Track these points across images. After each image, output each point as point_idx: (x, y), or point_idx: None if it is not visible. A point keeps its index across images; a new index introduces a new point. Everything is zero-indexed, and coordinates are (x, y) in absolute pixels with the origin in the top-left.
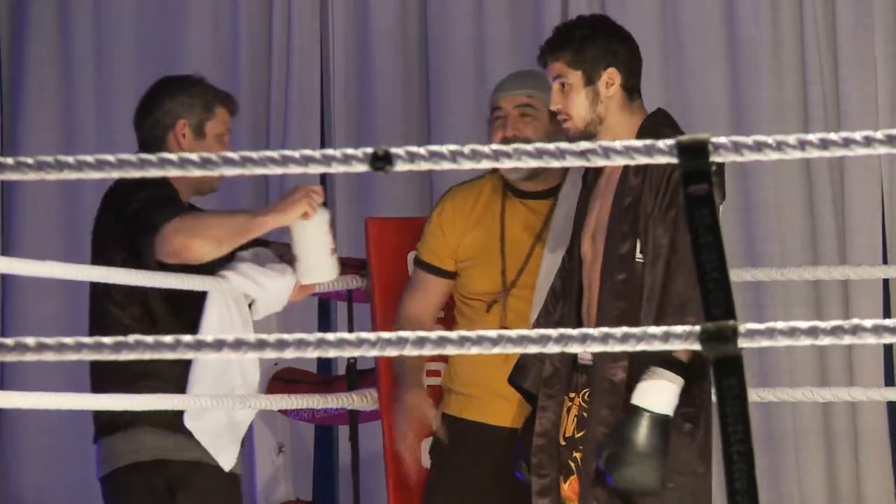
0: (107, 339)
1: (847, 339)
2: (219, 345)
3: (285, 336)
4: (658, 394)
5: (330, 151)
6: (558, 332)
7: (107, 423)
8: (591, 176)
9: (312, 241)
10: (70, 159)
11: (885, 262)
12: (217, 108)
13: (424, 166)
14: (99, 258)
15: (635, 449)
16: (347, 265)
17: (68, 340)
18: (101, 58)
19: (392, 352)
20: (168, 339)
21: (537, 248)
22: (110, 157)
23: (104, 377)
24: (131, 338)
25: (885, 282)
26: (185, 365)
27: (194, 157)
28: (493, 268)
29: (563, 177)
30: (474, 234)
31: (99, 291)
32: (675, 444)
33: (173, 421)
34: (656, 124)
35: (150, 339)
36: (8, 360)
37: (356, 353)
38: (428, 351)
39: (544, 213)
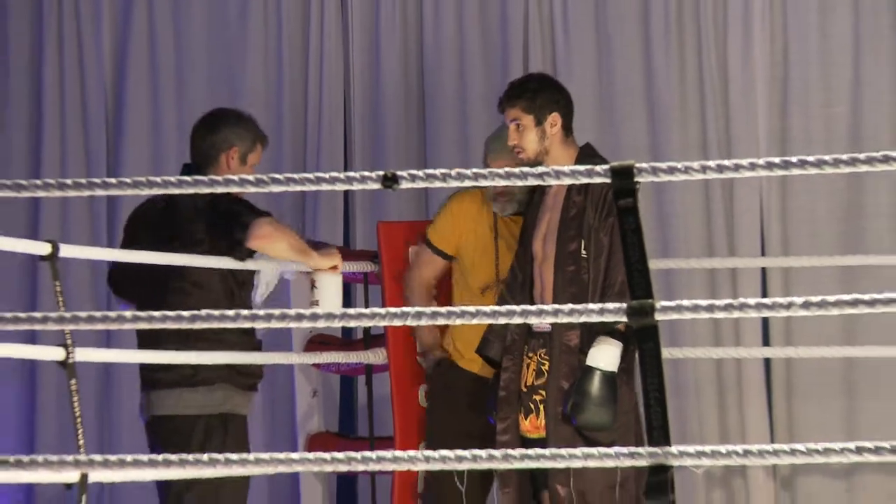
0: (185, 313)
1: (735, 314)
2: (268, 317)
3: (317, 310)
4: (606, 356)
5: (352, 174)
6: (522, 307)
7: (182, 378)
8: (538, 196)
9: (333, 290)
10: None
11: (763, 254)
12: (258, 144)
13: (422, 185)
14: (182, 241)
15: (592, 398)
16: (364, 255)
17: (156, 314)
18: (180, 89)
19: (397, 322)
20: (230, 313)
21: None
22: (173, 179)
23: (165, 339)
24: (217, 312)
25: (763, 270)
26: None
27: (252, 178)
28: (489, 265)
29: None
30: (474, 235)
31: (173, 271)
32: (618, 392)
33: (233, 378)
34: (590, 155)
35: (217, 312)
36: (113, 329)
37: (370, 323)
38: (423, 322)
39: (517, 230)
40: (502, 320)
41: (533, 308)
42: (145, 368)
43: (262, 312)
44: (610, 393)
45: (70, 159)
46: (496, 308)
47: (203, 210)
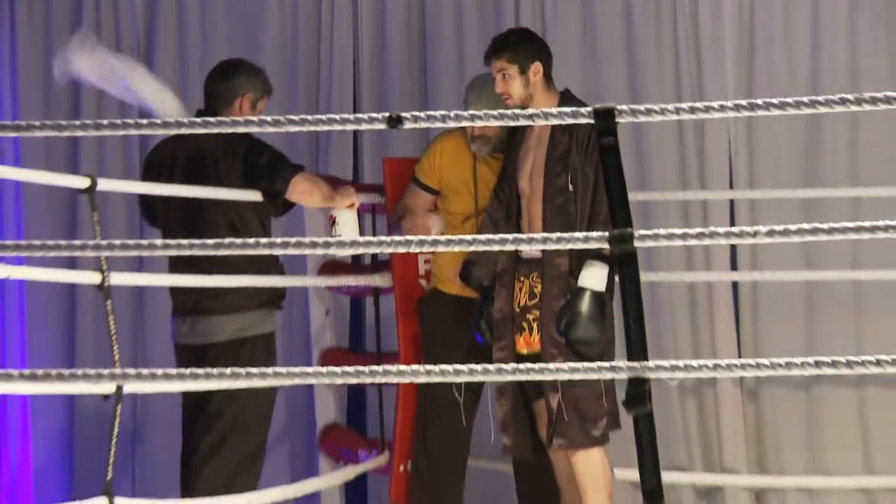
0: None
1: (706, 241)
2: (285, 245)
3: (331, 239)
4: (595, 277)
5: (360, 115)
6: (514, 235)
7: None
8: (520, 137)
9: (351, 224)
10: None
11: (731, 188)
12: (266, 93)
13: (423, 125)
14: (211, 181)
15: (583, 316)
16: (372, 188)
17: (185, 242)
18: (204, 40)
19: (401, 249)
20: (265, 240)
21: (495, 185)
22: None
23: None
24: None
25: (731, 202)
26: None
27: (270, 119)
28: (468, 196)
29: (499, 149)
30: (455, 170)
31: (207, 220)
32: (605, 309)
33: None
34: (569, 98)
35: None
36: (145, 255)
37: (378, 250)
38: (424, 249)
39: (499, 164)
40: (497, 247)
41: (525, 236)
42: (191, 298)
43: (291, 240)
44: (599, 310)
45: (105, 102)
46: (493, 236)
47: (241, 157)
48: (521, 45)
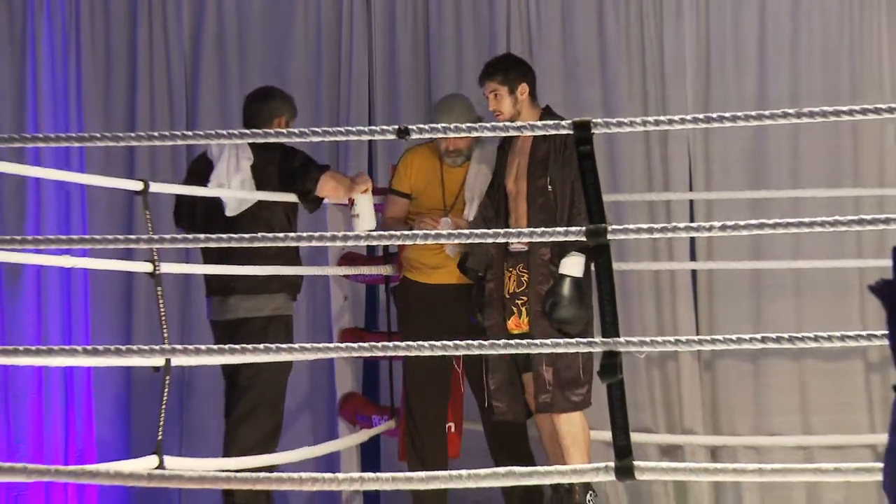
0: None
1: (669, 235)
2: (310, 238)
3: (350, 233)
4: (575, 265)
5: (374, 128)
6: (504, 230)
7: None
8: (507, 146)
9: (367, 206)
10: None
11: (690, 189)
12: (295, 116)
13: (427, 136)
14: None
15: (564, 298)
16: (384, 190)
17: (224, 235)
18: (242, 80)
19: (408, 241)
20: (305, 234)
21: (462, 190)
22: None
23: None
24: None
25: (691, 202)
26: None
27: (297, 131)
28: (437, 195)
29: (469, 158)
30: (423, 175)
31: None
32: (584, 293)
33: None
34: (550, 113)
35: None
36: (189, 247)
37: (388, 242)
38: (429, 241)
39: (463, 173)
40: (489, 240)
41: (514, 231)
42: (222, 280)
43: (315, 234)
44: (578, 294)
45: (157, 113)
46: (486, 231)
47: (275, 164)
48: (510, 70)
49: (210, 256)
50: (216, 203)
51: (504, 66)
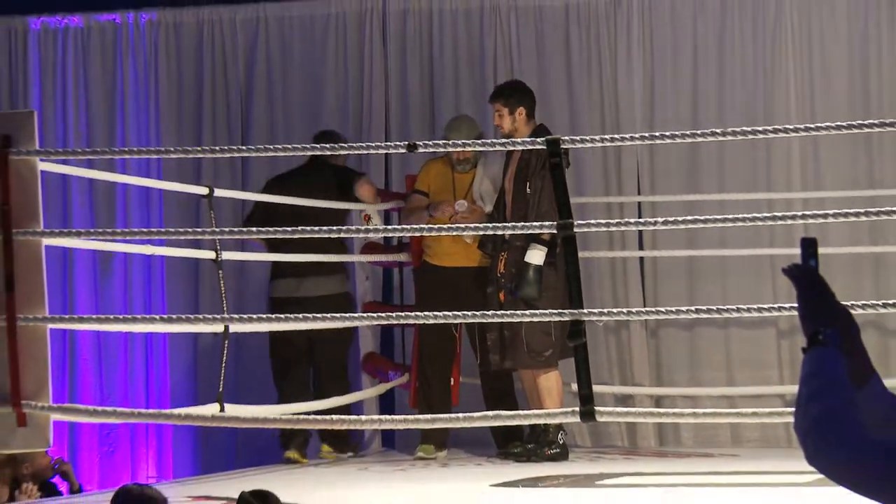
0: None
1: (622, 228)
2: (348, 231)
3: (371, 228)
4: (536, 256)
5: (388, 143)
6: (493, 224)
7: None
8: (508, 157)
9: (377, 216)
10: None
11: (639, 193)
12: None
13: (431, 150)
14: (311, 193)
15: (527, 281)
16: (399, 195)
17: (273, 229)
18: (285, 102)
19: (416, 233)
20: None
21: (470, 191)
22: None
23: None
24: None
25: (639, 203)
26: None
27: (336, 146)
28: (449, 196)
29: (475, 165)
30: (439, 180)
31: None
32: (545, 275)
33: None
34: (540, 131)
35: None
36: (245, 238)
37: (401, 234)
38: (433, 233)
39: (470, 178)
40: (490, 232)
41: (500, 226)
42: (292, 265)
43: (344, 227)
44: (538, 277)
45: (218, 131)
46: (478, 224)
47: (332, 175)
48: (512, 95)
49: (284, 246)
50: (293, 210)
51: (507, 92)
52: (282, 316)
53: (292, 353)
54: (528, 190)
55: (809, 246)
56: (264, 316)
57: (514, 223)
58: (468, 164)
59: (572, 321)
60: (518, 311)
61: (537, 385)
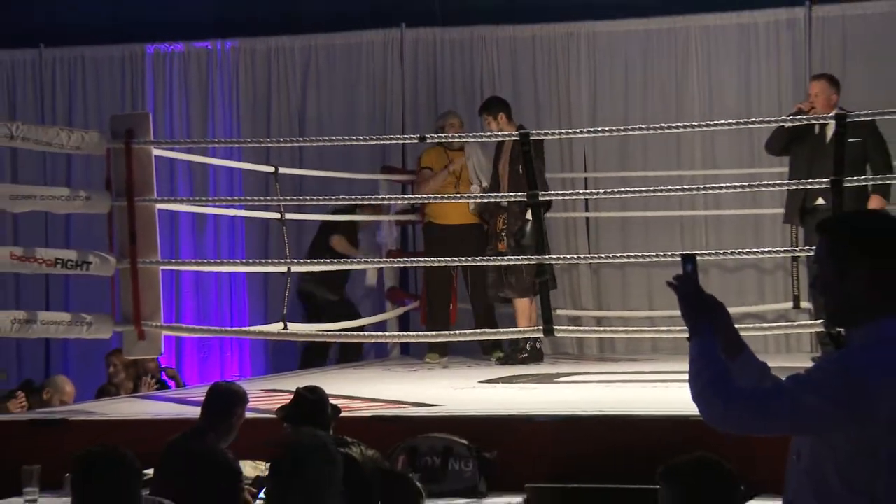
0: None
1: (573, 197)
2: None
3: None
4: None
5: (405, 135)
6: (494, 194)
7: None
8: (498, 149)
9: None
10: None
11: (585, 171)
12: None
13: (435, 140)
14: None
15: (524, 232)
16: (411, 172)
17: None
18: (331, 108)
19: (427, 201)
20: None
21: (464, 167)
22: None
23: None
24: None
25: (585, 179)
26: None
27: (362, 137)
28: (447, 172)
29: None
30: (439, 159)
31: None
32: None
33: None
34: (521, 127)
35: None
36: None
37: (414, 201)
38: (444, 201)
39: (462, 155)
40: (486, 200)
41: (493, 195)
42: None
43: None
44: (534, 230)
45: (283, 127)
46: (477, 195)
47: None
48: (492, 106)
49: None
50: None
51: (488, 105)
52: (335, 260)
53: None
54: (520, 171)
55: (688, 260)
56: (317, 261)
57: (503, 194)
58: (454, 138)
59: (538, 264)
60: (513, 257)
61: (516, 308)
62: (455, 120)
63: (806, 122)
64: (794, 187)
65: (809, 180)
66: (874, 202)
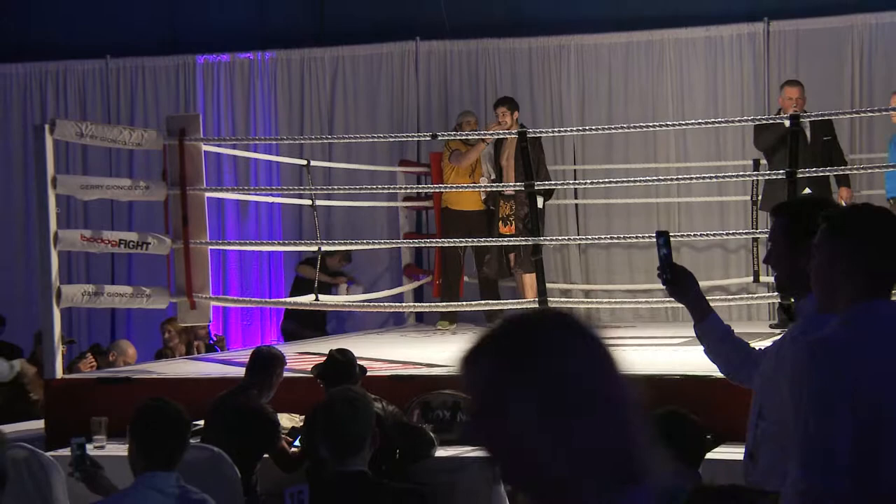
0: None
1: (564, 186)
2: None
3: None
4: (539, 202)
5: (419, 133)
6: (501, 184)
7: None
8: (501, 144)
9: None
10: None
11: (574, 163)
12: None
13: (448, 138)
14: None
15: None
16: (425, 165)
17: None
18: (356, 114)
19: (439, 189)
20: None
21: (480, 155)
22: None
23: None
24: None
25: (575, 171)
26: None
27: (384, 135)
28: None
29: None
30: (461, 146)
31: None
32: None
33: None
34: (522, 126)
35: None
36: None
37: (425, 190)
38: (456, 189)
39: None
40: (493, 189)
41: (500, 184)
42: None
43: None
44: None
45: (314, 127)
46: (485, 185)
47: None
48: (510, 102)
49: None
50: None
51: (508, 99)
52: (361, 241)
53: None
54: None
55: (660, 234)
56: (345, 241)
57: (507, 184)
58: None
59: (534, 244)
60: (517, 238)
61: (520, 283)
62: (472, 118)
63: (783, 123)
64: (769, 177)
65: (769, 172)
66: (844, 193)
